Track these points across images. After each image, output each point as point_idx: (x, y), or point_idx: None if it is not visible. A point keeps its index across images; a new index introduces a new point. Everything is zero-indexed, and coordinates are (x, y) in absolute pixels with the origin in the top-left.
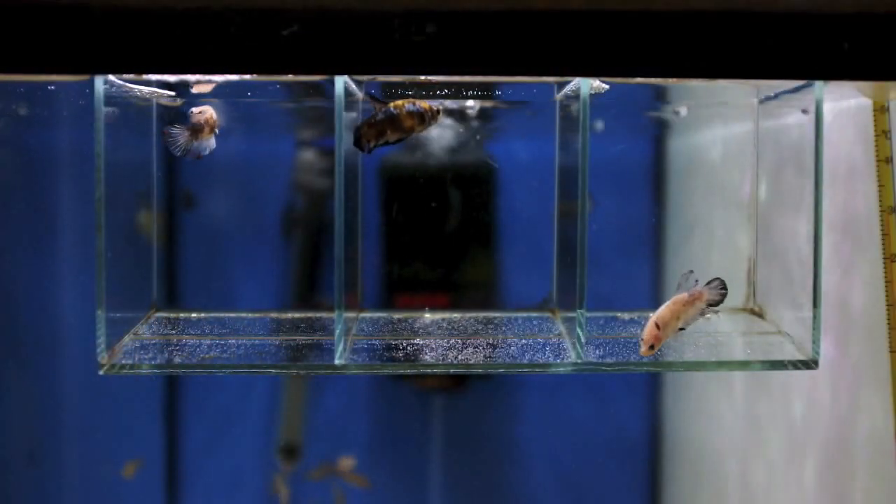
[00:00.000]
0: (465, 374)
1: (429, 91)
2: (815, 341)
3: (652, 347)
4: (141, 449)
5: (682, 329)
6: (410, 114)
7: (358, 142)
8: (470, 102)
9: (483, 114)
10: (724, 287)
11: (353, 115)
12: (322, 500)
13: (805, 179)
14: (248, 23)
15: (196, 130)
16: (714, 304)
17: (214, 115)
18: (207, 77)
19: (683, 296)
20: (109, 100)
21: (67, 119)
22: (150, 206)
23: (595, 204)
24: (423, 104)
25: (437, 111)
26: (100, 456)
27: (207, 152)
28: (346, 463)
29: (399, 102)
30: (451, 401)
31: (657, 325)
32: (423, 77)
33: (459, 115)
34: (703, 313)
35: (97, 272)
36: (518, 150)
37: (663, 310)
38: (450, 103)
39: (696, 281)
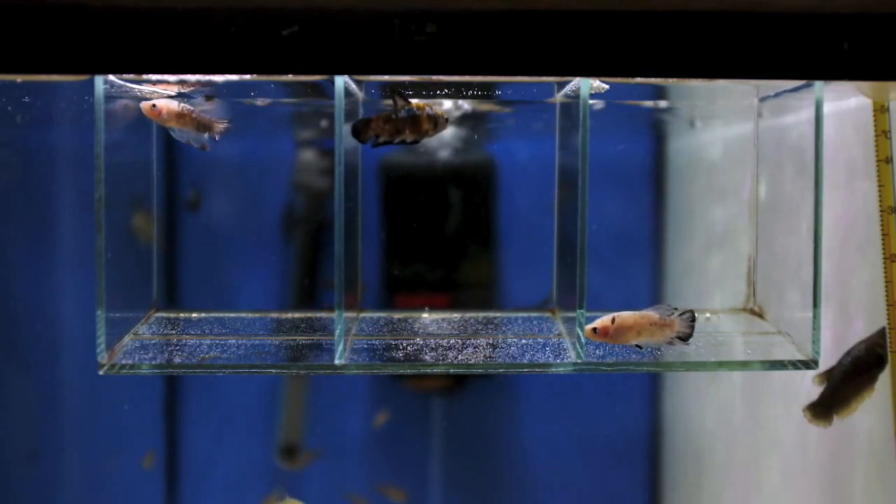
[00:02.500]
0: (464, 376)
1: (429, 91)
2: (815, 341)
3: (595, 332)
4: (141, 449)
5: (637, 346)
6: (429, 117)
7: (362, 134)
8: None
9: (483, 114)
10: (693, 320)
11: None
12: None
13: (805, 179)
14: (248, 23)
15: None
16: (683, 337)
17: (164, 111)
18: (177, 77)
19: (655, 316)
20: (109, 100)
21: (67, 119)
22: (150, 207)
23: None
24: (437, 109)
25: (447, 119)
26: (100, 455)
27: (191, 142)
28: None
29: (420, 104)
30: (451, 401)
31: (612, 321)
32: (434, 77)
33: (459, 116)
34: (670, 342)
35: (97, 272)
36: (518, 150)
37: (629, 315)
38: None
39: (674, 310)
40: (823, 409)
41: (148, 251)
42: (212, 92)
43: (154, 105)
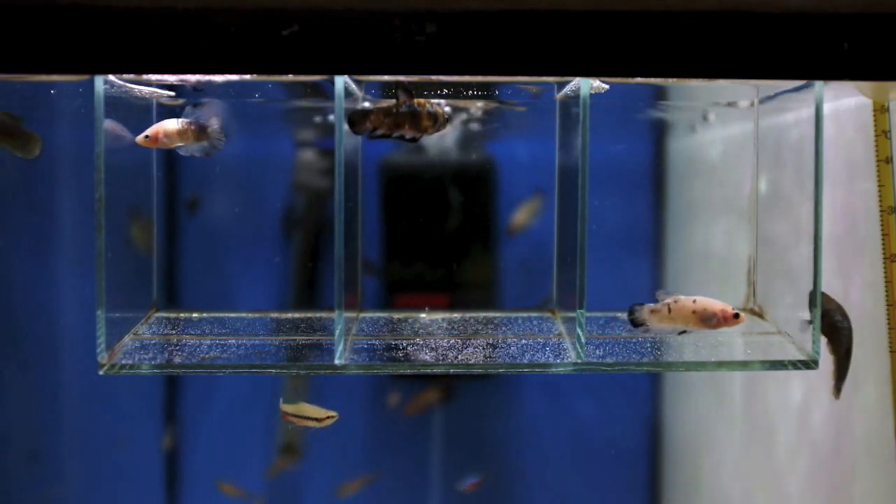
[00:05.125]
0: (454, 388)
1: (429, 91)
2: (815, 341)
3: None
4: (141, 449)
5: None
6: (430, 114)
7: (358, 125)
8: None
9: (482, 113)
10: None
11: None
12: None
13: (805, 179)
14: (248, 23)
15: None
16: None
17: (162, 135)
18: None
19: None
20: (109, 100)
21: (67, 119)
22: (150, 207)
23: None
24: (438, 108)
25: (447, 119)
26: (100, 456)
27: (189, 154)
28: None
29: (422, 101)
30: (451, 401)
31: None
32: (434, 77)
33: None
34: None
35: (97, 272)
36: (518, 150)
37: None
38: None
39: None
40: (843, 380)
41: (148, 252)
42: (200, 97)
43: (147, 136)
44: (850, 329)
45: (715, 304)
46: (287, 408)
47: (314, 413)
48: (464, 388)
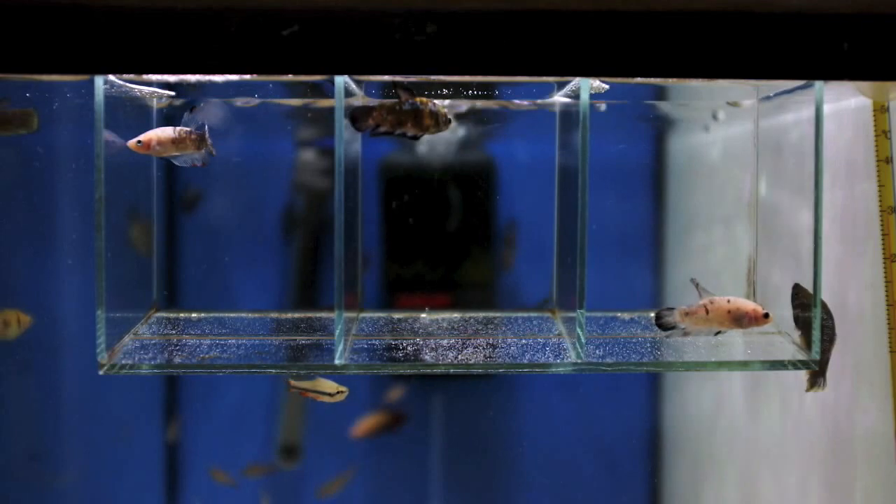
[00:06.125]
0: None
1: (429, 91)
2: (815, 341)
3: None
4: (141, 449)
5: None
6: (431, 113)
7: (360, 121)
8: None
9: (482, 113)
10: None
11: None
12: None
13: (805, 179)
14: (248, 23)
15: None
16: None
17: (155, 141)
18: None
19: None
20: (109, 100)
21: (67, 119)
22: (150, 207)
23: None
24: (441, 108)
25: (449, 119)
26: (100, 456)
27: (190, 164)
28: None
29: (424, 99)
30: (451, 399)
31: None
32: (434, 77)
33: (460, 115)
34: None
35: (97, 272)
36: (518, 150)
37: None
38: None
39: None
40: (822, 375)
41: (147, 252)
42: (193, 100)
43: (139, 142)
44: (833, 327)
45: (747, 304)
46: (305, 384)
47: (327, 388)
48: (462, 389)
